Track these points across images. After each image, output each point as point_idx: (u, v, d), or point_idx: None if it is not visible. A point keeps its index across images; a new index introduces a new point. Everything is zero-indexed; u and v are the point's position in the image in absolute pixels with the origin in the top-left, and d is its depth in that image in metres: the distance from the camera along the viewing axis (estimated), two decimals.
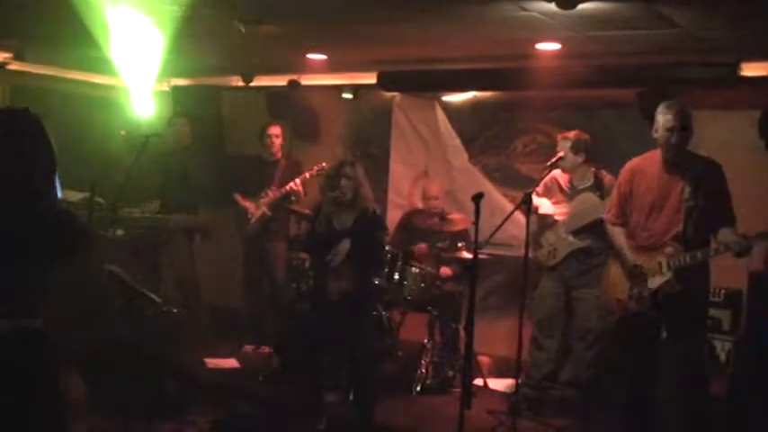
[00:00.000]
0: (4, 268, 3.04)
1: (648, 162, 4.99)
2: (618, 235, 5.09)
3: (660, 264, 4.78)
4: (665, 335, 4.97)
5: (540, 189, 6.30)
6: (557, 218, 6.19)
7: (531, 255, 5.90)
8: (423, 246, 6.98)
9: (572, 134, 6.14)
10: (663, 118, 4.79)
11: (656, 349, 4.97)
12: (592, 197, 6.07)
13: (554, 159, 5.89)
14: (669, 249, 4.77)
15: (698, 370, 4.99)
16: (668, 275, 4.76)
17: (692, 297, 4.81)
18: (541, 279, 6.30)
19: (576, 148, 6.09)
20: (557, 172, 6.27)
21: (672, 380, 4.88)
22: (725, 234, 4.69)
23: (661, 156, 4.89)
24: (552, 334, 6.23)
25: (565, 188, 6.23)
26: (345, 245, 5.41)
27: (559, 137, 6.24)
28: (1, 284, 3.04)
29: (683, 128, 4.75)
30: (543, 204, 6.21)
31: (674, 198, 4.80)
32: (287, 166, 7.69)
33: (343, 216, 5.55)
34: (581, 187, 6.16)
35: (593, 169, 6.16)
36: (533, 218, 5.87)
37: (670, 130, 4.75)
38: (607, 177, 6.12)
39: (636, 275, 4.91)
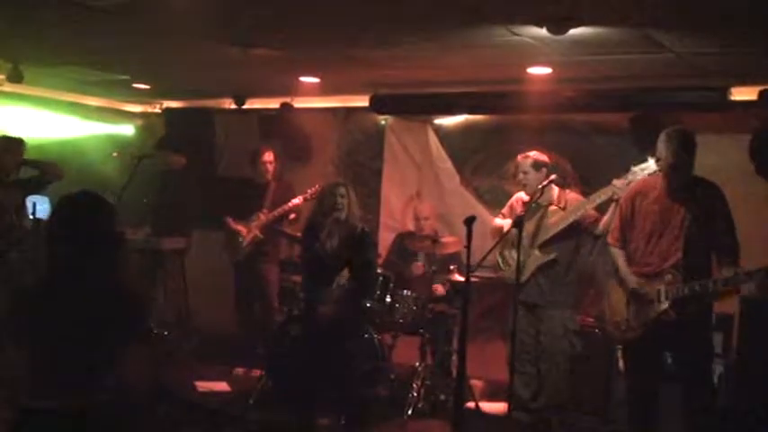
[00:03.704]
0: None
1: (651, 185, 4.98)
2: (618, 257, 5.08)
3: (659, 292, 4.77)
4: (669, 360, 4.99)
5: (505, 210, 6.40)
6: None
7: (498, 274, 5.97)
8: (420, 265, 6.98)
9: (531, 153, 6.17)
10: (664, 150, 4.79)
11: (659, 376, 4.98)
12: (555, 211, 6.09)
13: (545, 182, 5.90)
14: (668, 278, 4.75)
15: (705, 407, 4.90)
16: (665, 305, 4.74)
17: (693, 325, 4.76)
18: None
19: (536, 167, 6.11)
20: (521, 193, 6.30)
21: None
22: (725, 272, 4.62)
23: (663, 180, 4.90)
24: (525, 359, 6.19)
25: (530, 206, 6.19)
26: (345, 274, 5.44)
27: (519, 157, 6.27)
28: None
29: (683, 160, 4.75)
30: (507, 225, 6.20)
31: (675, 224, 4.79)
32: (278, 188, 7.67)
33: (334, 236, 5.56)
34: (544, 204, 6.16)
35: (556, 188, 6.17)
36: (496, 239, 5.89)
37: (671, 165, 4.77)
38: (571, 194, 6.15)
39: (635, 302, 4.91)
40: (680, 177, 4.81)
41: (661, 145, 4.83)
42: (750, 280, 4.47)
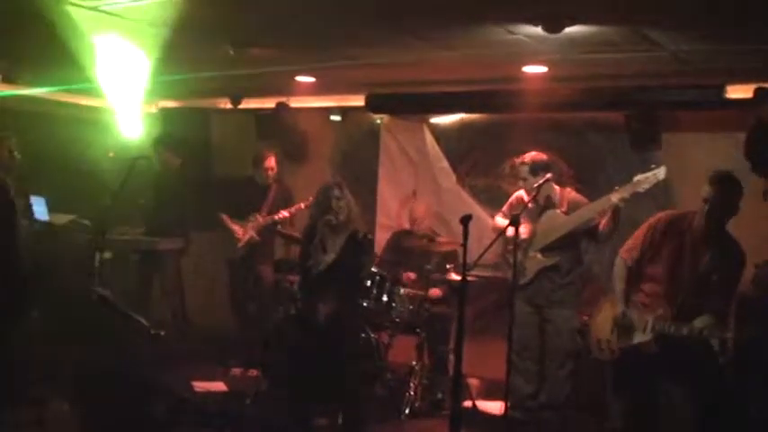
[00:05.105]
0: None
1: (686, 222, 4.93)
2: (620, 278, 5.07)
3: (646, 323, 4.79)
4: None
5: (505, 209, 6.37)
6: (523, 237, 6.15)
7: (501, 275, 5.97)
8: (411, 274, 6.96)
9: (527, 157, 6.15)
10: (704, 187, 4.74)
11: (655, 385, 4.99)
12: (557, 214, 6.08)
13: (541, 181, 5.89)
14: (660, 311, 4.76)
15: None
16: (649, 336, 4.77)
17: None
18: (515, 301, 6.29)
19: (534, 171, 6.10)
20: (522, 192, 6.29)
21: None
22: (703, 320, 4.65)
23: (698, 221, 4.84)
24: (528, 356, 6.19)
25: (530, 207, 6.20)
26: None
27: (517, 161, 6.25)
28: None
29: (721, 204, 4.71)
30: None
31: (692, 267, 4.79)
32: (278, 191, 7.69)
33: (334, 238, 5.55)
34: (543, 204, 6.16)
35: (557, 188, 6.17)
36: (500, 239, 5.89)
37: (706, 201, 4.73)
38: (571, 194, 6.15)
39: (621, 326, 4.92)
40: (707, 223, 4.77)
41: (705, 184, 4.79)
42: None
